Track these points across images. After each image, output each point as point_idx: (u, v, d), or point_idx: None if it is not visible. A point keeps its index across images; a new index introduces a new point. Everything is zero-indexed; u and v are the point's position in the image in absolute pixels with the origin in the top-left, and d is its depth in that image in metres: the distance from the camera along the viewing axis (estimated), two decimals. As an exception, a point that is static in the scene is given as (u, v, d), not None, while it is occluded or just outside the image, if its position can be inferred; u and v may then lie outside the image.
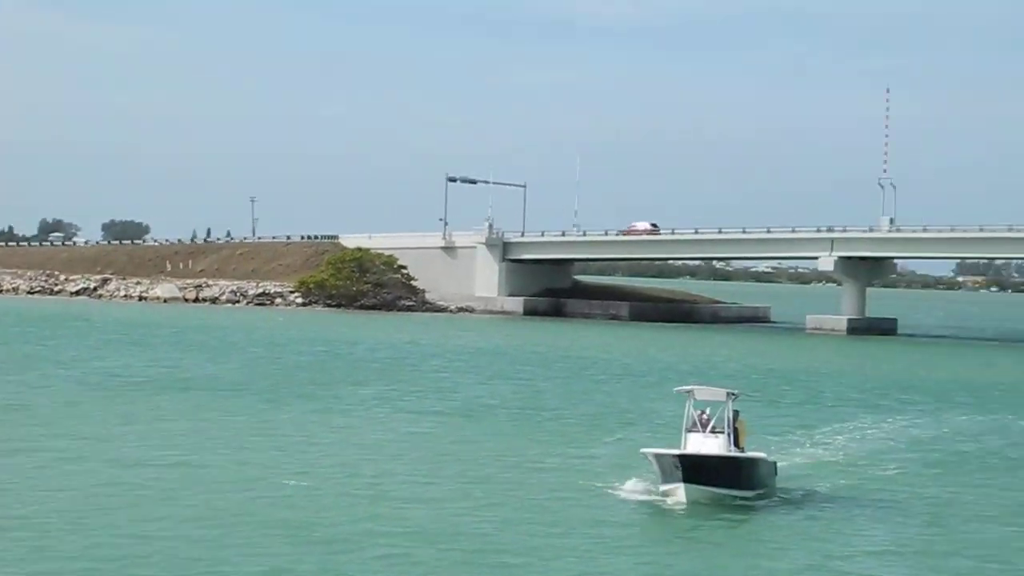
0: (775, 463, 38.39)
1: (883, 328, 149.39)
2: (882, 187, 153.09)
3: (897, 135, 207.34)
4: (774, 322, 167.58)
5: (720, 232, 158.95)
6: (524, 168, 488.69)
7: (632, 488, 36.80)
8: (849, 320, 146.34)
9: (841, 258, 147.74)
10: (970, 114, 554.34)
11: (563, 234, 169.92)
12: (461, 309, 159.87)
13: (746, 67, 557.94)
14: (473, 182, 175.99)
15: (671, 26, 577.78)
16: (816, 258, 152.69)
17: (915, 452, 49.22)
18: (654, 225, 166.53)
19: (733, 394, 37.02)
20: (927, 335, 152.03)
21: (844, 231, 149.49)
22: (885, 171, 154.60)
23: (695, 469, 34.81)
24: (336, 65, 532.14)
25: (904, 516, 36.07)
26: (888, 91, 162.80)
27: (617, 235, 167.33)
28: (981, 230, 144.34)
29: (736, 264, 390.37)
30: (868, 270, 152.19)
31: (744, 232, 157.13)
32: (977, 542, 33.13)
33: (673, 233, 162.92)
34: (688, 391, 37.41)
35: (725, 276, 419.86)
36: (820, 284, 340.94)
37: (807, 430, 54.11)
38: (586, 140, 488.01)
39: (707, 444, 35.76)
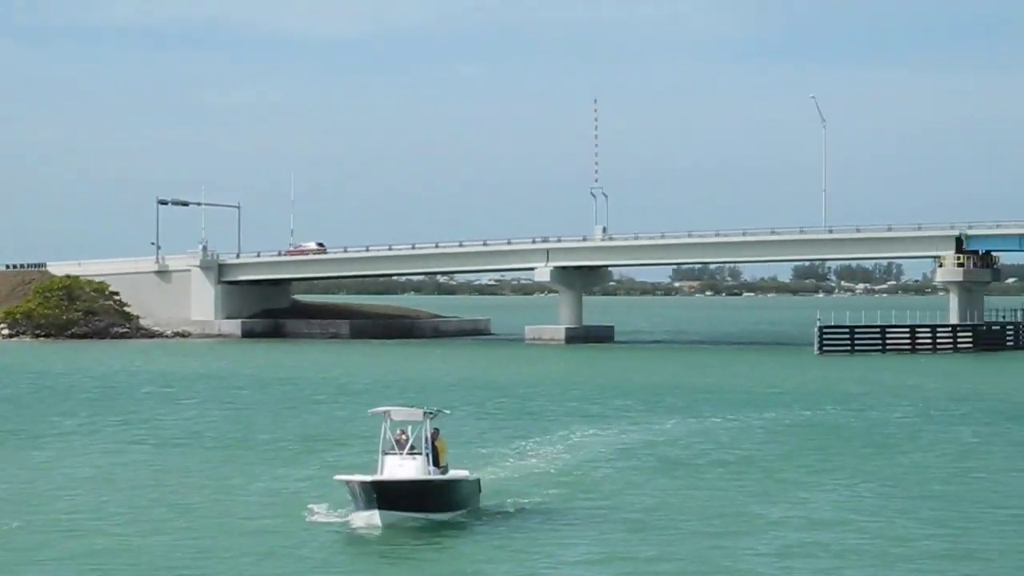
0: (479, 480, 37.89)
1: (600, 336, 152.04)
2: (594, 196, 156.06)
3: (607, 145, 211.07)
4: (494, 334, 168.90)
5: (437, 246, 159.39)
6: (240, 188, 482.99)
7: (335, 512, 35.91)
8: (567, 329, 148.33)
9: (557, 268, 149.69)
10: (678, 124, 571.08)
11: (279, 254, 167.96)
12: (177, 334, 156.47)
13: (459, 81, 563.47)
14: (185, 204, 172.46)
15: (385, 41, 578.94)
16: (533, 269, 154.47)
17: (626, 459, 49.62)
18: (320, 244, 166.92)
19: (431, 413, 36.40)
20: (642, 341, 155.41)
21: (559, 241, 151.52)
22: (596, 180, 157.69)
23: (388, 495, 33.99)
24: (37, 90, 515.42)
25: (611, 524, 36.15)
26: (596, 101, 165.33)
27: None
28: (690, 236, 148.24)
29: (460, 278, 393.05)
30: (584, 279, 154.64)
31: (461, 245, 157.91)
32: (681, 546, 33.38)
33: (392, 248, 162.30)
34: (384, 412, 36.60)
35: (449, 290, 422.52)
36: (543, 294, 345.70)
37: (521, 441, 54.09)
38: (301, 158, 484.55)
39: (404, 467, 34.95)
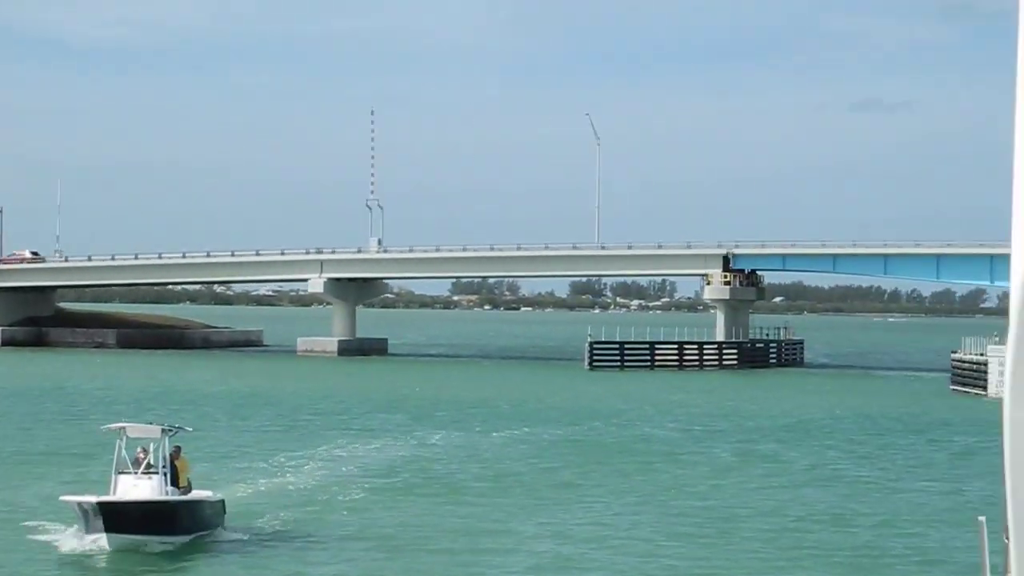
0: (223, 501, 36.38)
1: (374, 348, 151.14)
2: (370, 208, 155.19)
3: (384, 157, 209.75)
4: (267, 345, 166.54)
5: (208, 255, 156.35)
6: (4, 193, 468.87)
7: (67, 532, 34.07)
8: (340, 341, 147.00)
9: (331, 279, 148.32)
10: (456, 139, 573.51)
11: (43, 260, 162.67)
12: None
13: (235, 88, 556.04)
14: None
15: (166, 48, 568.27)
16: (306, 280, 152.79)
17: (386, 475, 48.77)
18: (34, 253, 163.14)
19: (170, 430, 34.92)
20: (417, 354, 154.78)
21: (333, 253, 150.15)
22: (373, 192, 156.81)
23: (117, 517, 32.37)
24: None
25: (361, 542, 35.27)
26: (373, 113, 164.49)
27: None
28: (465, 250, 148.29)
29: (237, 288, 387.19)
30: (358, 291, 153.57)
31: (233, 255, 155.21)
32: (430, 564, 32.72)
33: (162, 256, 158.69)
34: (119, 429, 35.00)
35: (226, 300, 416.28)
36: (320, 306, 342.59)
37: (281, 457, 52.71)
38: (69, 164, 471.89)
39: (138, 487, 33.38)
